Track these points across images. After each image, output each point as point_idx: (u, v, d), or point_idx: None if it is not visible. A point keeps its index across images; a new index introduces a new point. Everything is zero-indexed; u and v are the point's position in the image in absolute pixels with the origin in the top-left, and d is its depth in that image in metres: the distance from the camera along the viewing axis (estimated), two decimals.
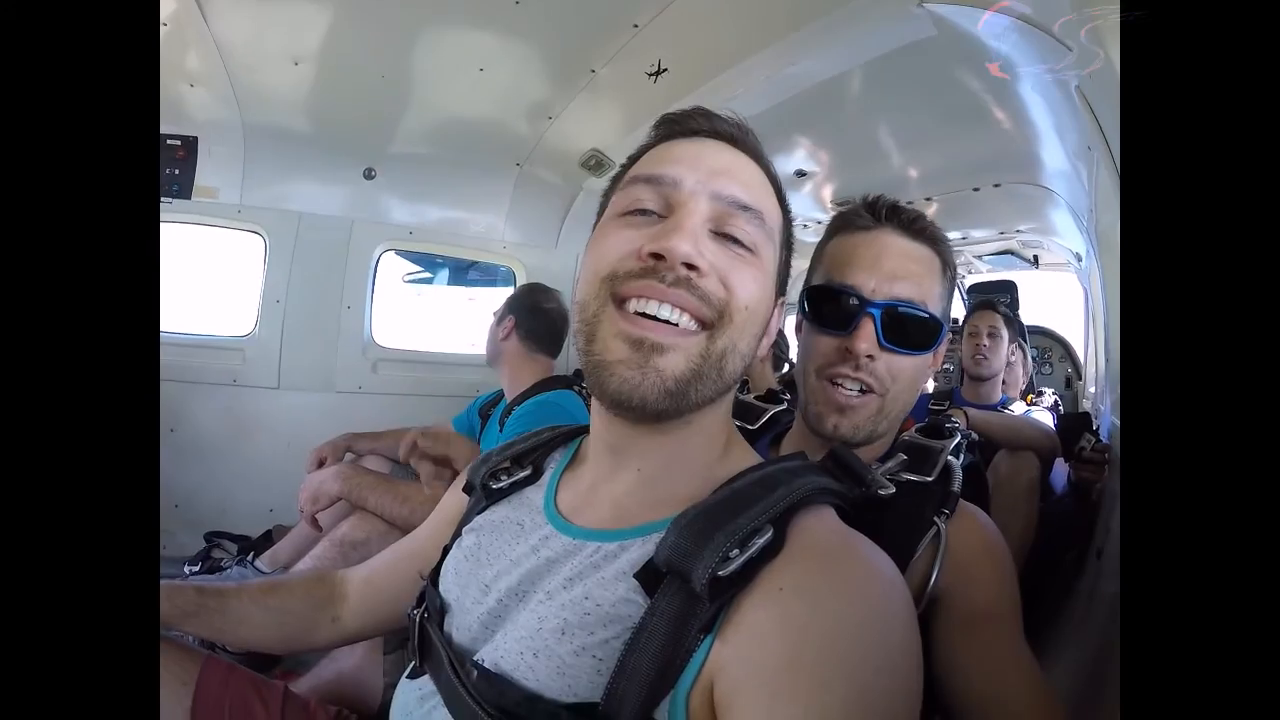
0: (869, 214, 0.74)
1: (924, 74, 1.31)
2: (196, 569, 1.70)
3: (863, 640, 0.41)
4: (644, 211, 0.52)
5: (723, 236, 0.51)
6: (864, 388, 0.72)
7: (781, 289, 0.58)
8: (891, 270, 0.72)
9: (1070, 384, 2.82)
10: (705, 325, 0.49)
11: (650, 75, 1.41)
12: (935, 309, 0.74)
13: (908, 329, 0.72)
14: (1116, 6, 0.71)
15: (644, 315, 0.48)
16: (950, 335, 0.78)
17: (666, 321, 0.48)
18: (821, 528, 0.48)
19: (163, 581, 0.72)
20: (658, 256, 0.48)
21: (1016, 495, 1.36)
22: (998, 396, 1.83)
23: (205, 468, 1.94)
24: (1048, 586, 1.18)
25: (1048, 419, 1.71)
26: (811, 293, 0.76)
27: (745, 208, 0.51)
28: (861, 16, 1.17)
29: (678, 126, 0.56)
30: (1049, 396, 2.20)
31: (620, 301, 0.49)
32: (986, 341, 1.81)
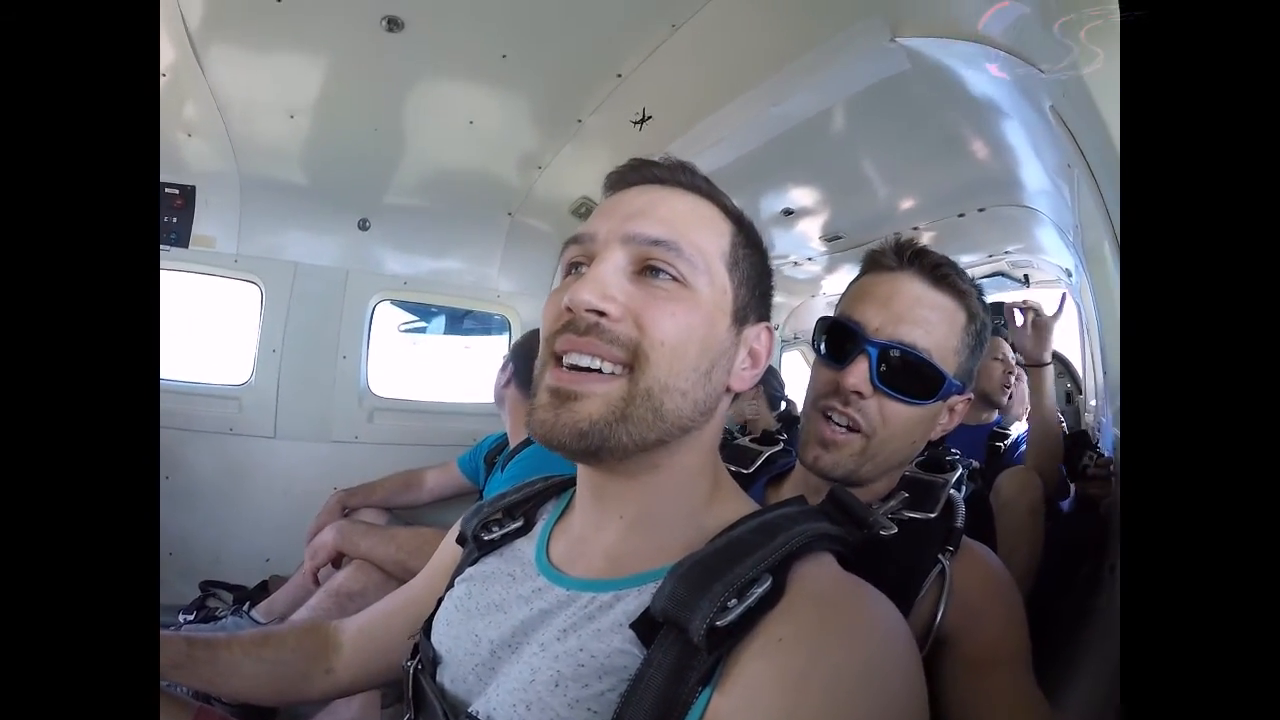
0: (894, 255, 0.74)
1: (901, 107, 1.34)
2: (191, 618, 1.67)
3: (864, 691, 0.40)
4: (577, 268, 0.54)
5: (645, 273, 0.51)
6: (851, 425, 0.71)
7: (755, 315, 0.57)
8: (900, 313, 0.70)
9: (1071, 399, 2.80)
10: (625, 365, 0.49)
11: (636, 123, 1.45)
12: (948, 361, 0.71)
13: (904, 374, 0.70)
14: (1110, 11, 0.73)
15: (574, 367, 0.50)
16: (968, 396, 0.75)
17: (588, 369, 0.49)
18: (821, 575, 0.48)
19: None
20: (570, 309, 0.50)
21: (1020, 517, 1.34)
22: (990, 418, 1.81)
23: (201, 515, 1.92)
24: (1061, 606, 1.15)
25: None
26: (822, 324, 0.76)
27: (656, 241, 0.51)
28: (838, 54, 1.21)
29: (612, 182, 0.57)
30: None
31: (559, 358, 0.51)
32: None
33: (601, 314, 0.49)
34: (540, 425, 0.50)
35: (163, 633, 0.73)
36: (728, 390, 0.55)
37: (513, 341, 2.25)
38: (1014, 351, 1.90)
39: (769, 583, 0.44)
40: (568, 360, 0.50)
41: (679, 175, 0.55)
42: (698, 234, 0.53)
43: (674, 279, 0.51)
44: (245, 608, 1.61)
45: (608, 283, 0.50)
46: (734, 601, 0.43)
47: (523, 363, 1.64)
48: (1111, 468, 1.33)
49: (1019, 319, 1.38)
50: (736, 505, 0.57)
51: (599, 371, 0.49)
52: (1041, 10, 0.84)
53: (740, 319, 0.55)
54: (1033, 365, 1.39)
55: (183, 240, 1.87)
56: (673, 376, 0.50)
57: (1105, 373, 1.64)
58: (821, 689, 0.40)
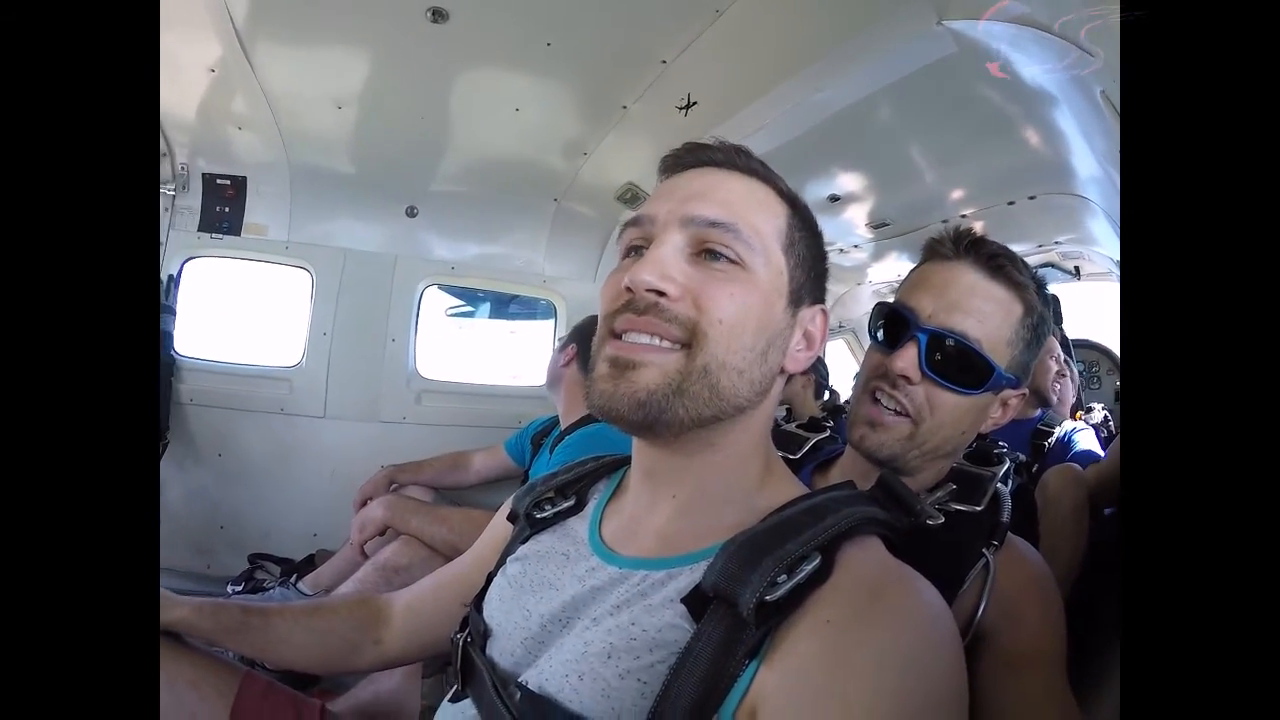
0: (951, 244, 0.74)
1: (949, 91, 1.31)
2: (239, 589, 1.75)
3: (909, 675, 0.41)
4: (637, 250, 0.55)
5: (703, 255, 0.52)
6: (899, 409, 0.71)
7: (810, 297, 0.57)
8: (953, 301, 0.70)
9: (1120, 397, 2.70)
10: (683, 344, 0.50)
11: (680, 109, 1.45)
12: (999, 352, 0.70)
13: (955, 362, 0.70)
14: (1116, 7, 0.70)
15: (633, 344, 0.51)
16: (1023, 392, 0.75)
17: (645, 345, 0.51)
18: (869, 559, 0.49)
19: (207, 599, 0.76)
20: (630, 290, 0.51)
21: (1064, 515, 1.31)
22: (1035, 413, 1.76)
23: (251, 491, 2.01)
24: (1101, 608, 1.13)
25: (1090, 436, 1.64)
26: (879, 310, 0.76)
27: (714, 224, 0.52)
28: (883, 39, 1.19)
29: (668, 164, 0.58)
30: (1098, 412, 2.10)
31: (617, 335, 0.52)
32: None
33: (661, 294, 0.50)
34: (600, 396, 0.51)
35: (219, 599, 0.77)
36: (782, 371, 0.56)
37: (561, 325, 2.28)
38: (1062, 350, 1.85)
39: (818, 560, 0.45)
40: (627, 338, 0.52)
41: (735, 158, 0.56)
42: (755, 216, 0.53)
43: (732, 261, 0.52)
44: (293, 579, 1.68)
45: (667, 263, 0.51)
46: (783, 577, 0.44)
47: (585, 343, 1.66)
48: None
49: None
50: (788, 487, 0.57)
51: (653, 345, 0.51)
52: None
53: (796, 300, 0.55)
54: None
55: (235, 229, 1.96)
56: (730, 354, 0.51)
57: None
58: (867, 672, 0.40)
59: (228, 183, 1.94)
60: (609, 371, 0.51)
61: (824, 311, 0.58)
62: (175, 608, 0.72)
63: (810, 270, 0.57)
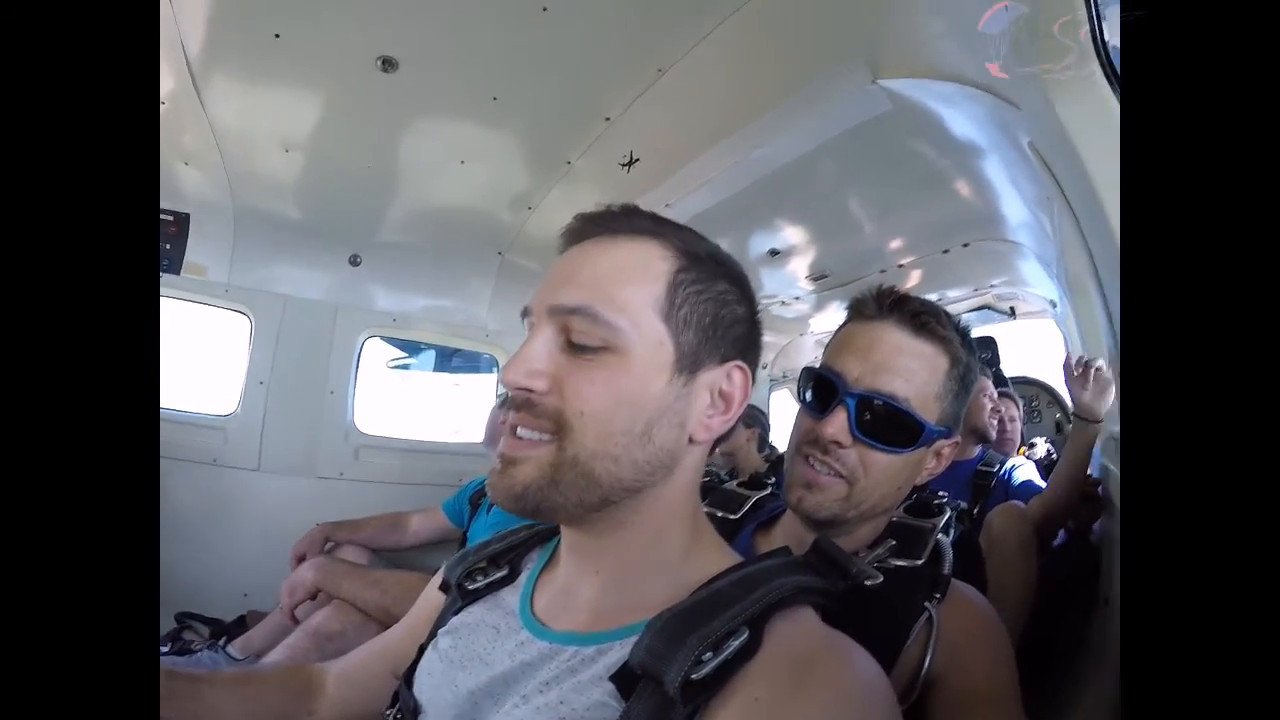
0: (874, 304, 0.74)
1: (884, 147, 1.38)
2: (166, 650, 1.63)
3: None
4: None
5: (571, 344, 0.51)
6: (833, 472, 0.71)
7: (714, 357, 0.53)
8: (879, 362, 0.71)
9: (1060, 428, 2.81)
10: (554, 435, 0.50)
11: (623, 165, 1.48)
12: (929, 408, 0.71)
13: (885, 424, 0.70)
14: (1057, 64, 0.75)
15: (519, 438, 0.51)
16: (955, 440, 0.76)
17: (526, 441, 0.51)
18: (799, 631, 0.47)
19: None
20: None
21: (1010, 554, 1.33)
22: (974, 453, 1.80)
23: (180, 546, 1.87)
24: (1055, 641, 1.14)
25: (1030, 469, 1.70)
26: (806, 374, 0.76)
27: (573, 310, 0.50)
28: (821, 98, 1.25)
29: (561, 244, 0.57)
30: (1041, 446, 2.19)
31: (513, 428, 0.52)
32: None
33: (528, 390, 0.50)
34: (490, 489, 0.52)
35: None
36: (692, 441, 0.53)
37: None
38: (996, 385, 1.92)
39: (745, 635, 0.44)
40: (519, 431, 0.51)
41: (612, 223, 0.54)
42: (623, 290, 0.51)
43: (595, 347, 0.50)
44: (222, 642, 1.58)
45: (534, 359, 0.50)
46: (709, 655, 0.43)
47: None
48: (1101, 489, 1.33)
49: (1078, 372, 1.37)
50: (717, 557, 0.56)
51: (531, 440, 0.51)
52: (1016, 49, 0.87)
53: (689, 367, 0.52)
54: (1087, 419, 1.38)
55: (175, 267, 1.89)
56: (600, 443, 0.49)
57: None
58: None
59: (171, 218, 1.88)
60: (498, 468, 0.52)
61: (740, 368, 0.55)
62: None
63: (710, 329, 0.53)
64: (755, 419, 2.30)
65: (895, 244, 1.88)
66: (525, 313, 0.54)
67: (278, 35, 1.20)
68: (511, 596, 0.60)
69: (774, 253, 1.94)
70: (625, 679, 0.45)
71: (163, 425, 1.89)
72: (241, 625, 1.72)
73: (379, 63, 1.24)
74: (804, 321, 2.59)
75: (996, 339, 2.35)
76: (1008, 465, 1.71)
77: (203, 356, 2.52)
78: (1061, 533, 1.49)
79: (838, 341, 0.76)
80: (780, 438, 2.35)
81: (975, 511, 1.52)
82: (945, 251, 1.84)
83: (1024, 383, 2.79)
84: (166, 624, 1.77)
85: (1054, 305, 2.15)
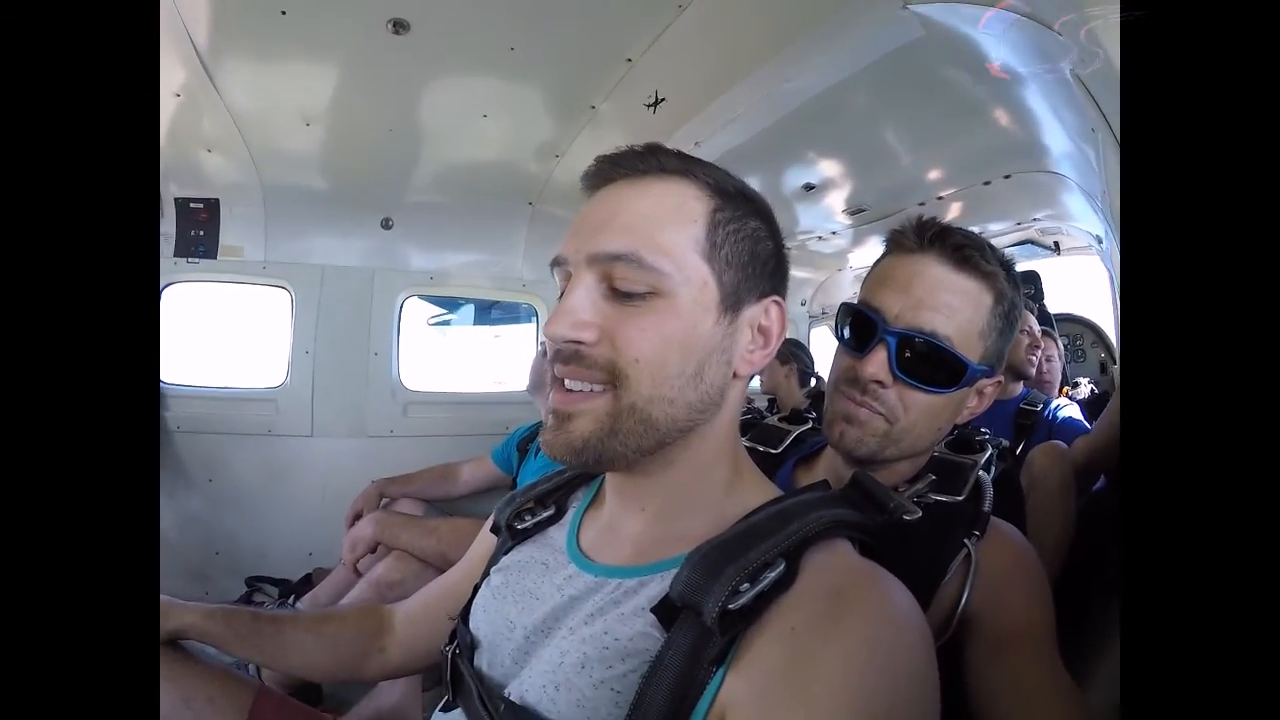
0: (915, 236, 0.70)
1: (918, 75, 1.31)
2: None
3: (874, 676, 0.41)
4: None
5: (615, 291, 0.50)
6: (872, 409, 0.70)
7: (754, 294, 0.54)
8: (920, 299, 0.68)
9: (1105, 368, 2.71)
10: (609, 384, 0.50)
11: (649, 106, 1.44)
12: (972, 346, 0.69)
13: (926, 363, 0.68)
14: (1116, 6, 0.69)
15: (569, 390, 0.51)
16: (998, 379, 0.73)
17: (579, 394, 0.51)
18: (834, 563, 0.48)
19: (220, 605, 0.76)
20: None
21: (1050, 493, 1.31)
22: (1017, 390, 1.76)
23: (244, 515, 2.01)
24: (1093, 583, 1.14)
25: (1074, 409, 1.65)
26: (843, 310, 0.74)
27: (617, 257, 0.50)
28: (849, 25, 1.18)
29: (585, 186, 0.56)
30: (1084, 387, 2.11)
31: (560, 380, 0.52)
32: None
33: (577, 342, 0.50)
34: (546, 446, 0.53)
35: (230, 606, 0.78)
36: (735, 376, 0.54)
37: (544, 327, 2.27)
38: (1040, 322, 1.85)
39: (782, 567, 0.45)
40: (568, 384, 0.51)
41: (642, 163, 0.53)
42: (663, 233, 0.50)
43: (643, 294, 0.50)
44: (291, 600, 1.69)
45: (578, 310, 0.50)
46: (746, 585, 0.44)
47: None
48: None
49: None
50: (758, 491, 0.57)
51: (583, 391, 0.51)
52: None
53: (733, 305, 0.53)
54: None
55: (211, 251, 1.95)
56: (656, 388, 0.50)
57: None
58: (832, 676, 0.40)
59: (200, 206, 1.92)
60: (553, 423, 0.52)
61: (777, 303, 0.55)
62: (185, 614, 0.72)
63: (749, 266, 0.53)
64: (794, 354, 2.27)
65: (934, 175, 1.79)
66: (557, 261, 0.54)
67: (284, 12, 1.19)
68: (559, 534, 0.63)
69: (809, 187, 1.88)
70: (666, 610, 0.47)
71: (218, 403, 2.01)
72: (308, 583, 1.81)
73: (390, 25, 1.22)
74: (842, 256, 2.53)
75: (1040, 274, 2.25)
76: (1052, 405, 1.66)
77: (249, 334, 2.60)
78: (1102, 478, 1.46)
79: (876, 275, 0.73)
80: (823, 374, 2.33)
81: (1018, 451, 1.50)
82: (986, 183, 1.75)
83: (1068, 320, 2.68)
84: (237, 589, 1.90)
85: (1099, 241, 2.04)
